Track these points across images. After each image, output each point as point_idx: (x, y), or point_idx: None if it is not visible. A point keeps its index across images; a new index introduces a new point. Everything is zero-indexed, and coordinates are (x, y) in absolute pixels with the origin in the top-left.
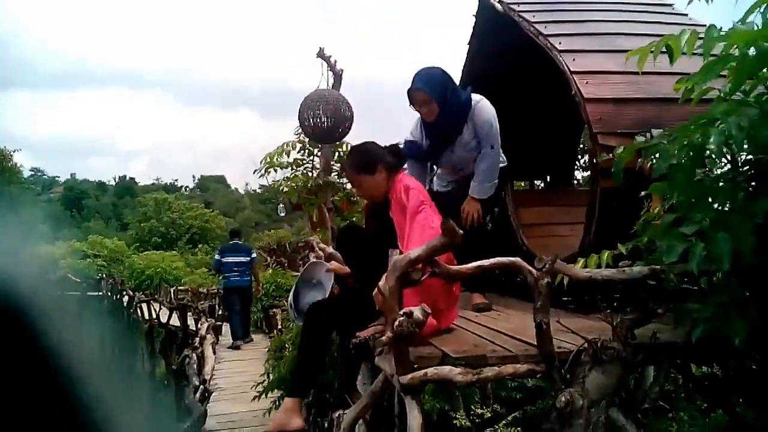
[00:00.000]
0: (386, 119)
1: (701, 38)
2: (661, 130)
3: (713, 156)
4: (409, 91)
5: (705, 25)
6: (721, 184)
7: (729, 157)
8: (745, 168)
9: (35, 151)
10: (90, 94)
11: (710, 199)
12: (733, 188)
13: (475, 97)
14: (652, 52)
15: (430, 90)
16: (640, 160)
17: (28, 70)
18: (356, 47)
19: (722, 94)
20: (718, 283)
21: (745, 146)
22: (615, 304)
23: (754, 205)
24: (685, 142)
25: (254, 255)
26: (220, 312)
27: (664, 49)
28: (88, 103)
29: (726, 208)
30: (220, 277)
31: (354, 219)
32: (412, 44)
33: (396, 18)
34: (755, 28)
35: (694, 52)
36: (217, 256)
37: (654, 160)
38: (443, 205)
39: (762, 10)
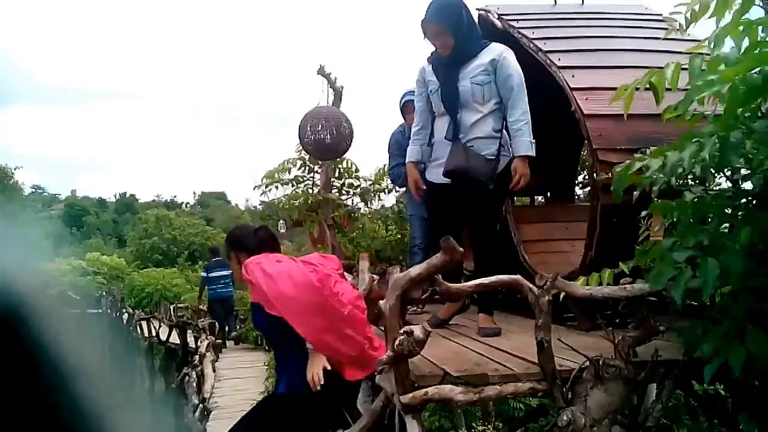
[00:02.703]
0: (387, 124)
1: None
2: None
3: (695, 174)
4: (422, 22)
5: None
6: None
7: (729, 174)
8: (744, 186)
9: (37, 168)
10: (91, 111)
11: (709, 219)
12: (734, 208)
13: (501, 46)
14: (637, 89)
15: (445, 21)
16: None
17: (28, 87)
18: (355, 52)
19: (710, 119)
20: (719, 306)
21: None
22: (617, 320)
23: (751, 226)
24: (662, 162)
25: None
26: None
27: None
28: (89, 119)
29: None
30: (207, 290)
31: (354, 235)
32: (408, 55)
33: (393, 25)
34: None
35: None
36: (203, 273)
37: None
38: (438, 201)
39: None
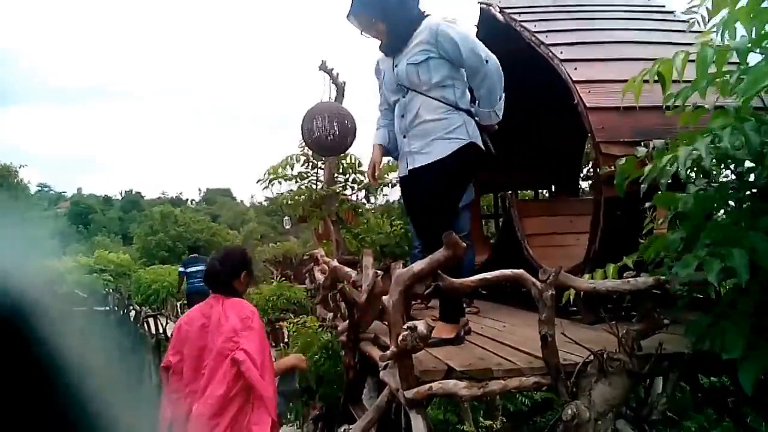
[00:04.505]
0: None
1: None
2: (662, 141)
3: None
4: (348, 18)
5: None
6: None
7: (732, 167)
8: (748, 179)
9: (42, 166)
10: (96, 109)
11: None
12: (738, 202)
13: (437, 18)
14: (646, 81)
15: (371, 9)
16: (641, 180)
17: (34, 86)
18: (356, 54)
19: (716, 112)
20: (725, 299)
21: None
22: (622, 314)
23: (758, 221)
24: (672, 155)
25: None
26: None
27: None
28: (94, 117)
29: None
30: (186, 283)
31: (358, 230)
32: None
33: None
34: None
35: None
36: (181, 269)
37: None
38: (405, 194)
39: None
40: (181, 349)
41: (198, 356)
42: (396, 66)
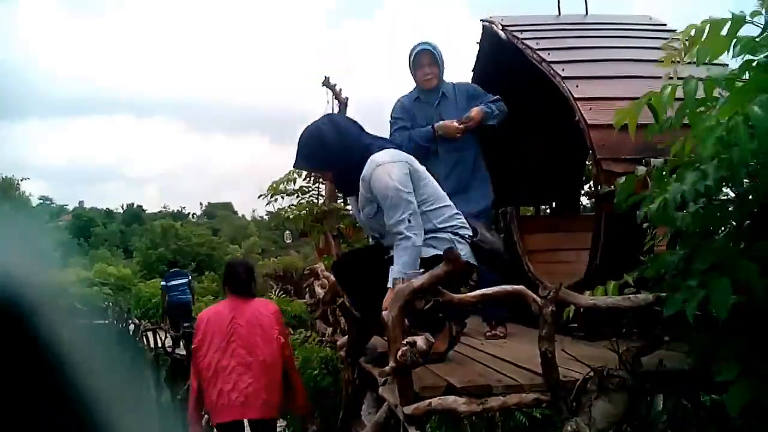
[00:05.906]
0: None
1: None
2: (662, 159)
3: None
4: (294, 167)
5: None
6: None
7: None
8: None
9: (45, 179)
10: (98, 122)
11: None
12: (739, 219)
13: (378, 158)
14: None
15: (309, 164)
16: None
17: (36, 99)
18: (360, 69)
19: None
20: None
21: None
22: (623, 330)
23: (758, 244)
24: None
25: (189, 278)
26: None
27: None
28: (96, 131)
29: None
30: (168, 297)
31: (359, 245)
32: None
33: (395, 41)
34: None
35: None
36: (163, 282)
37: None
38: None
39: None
40: (206, 335)
41: (227, 341)
42: (360, 212)
